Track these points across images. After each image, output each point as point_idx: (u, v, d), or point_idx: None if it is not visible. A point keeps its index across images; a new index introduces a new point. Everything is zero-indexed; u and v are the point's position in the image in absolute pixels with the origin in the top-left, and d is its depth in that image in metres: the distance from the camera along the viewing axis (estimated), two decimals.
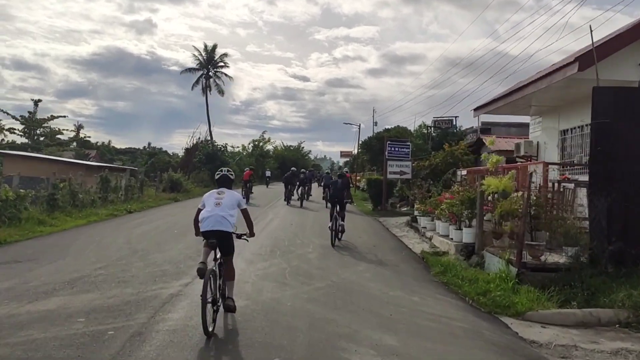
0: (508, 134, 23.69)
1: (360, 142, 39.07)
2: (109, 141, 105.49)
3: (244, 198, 24.44)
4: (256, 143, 67.86)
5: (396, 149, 22.16)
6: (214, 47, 51.89)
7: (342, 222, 12.63)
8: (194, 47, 72.34)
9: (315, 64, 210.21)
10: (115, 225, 14.68)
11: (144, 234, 12.88)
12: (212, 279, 5.43)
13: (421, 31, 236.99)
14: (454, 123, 27.00)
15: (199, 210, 5.96)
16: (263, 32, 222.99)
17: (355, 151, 62.36)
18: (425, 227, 14.26)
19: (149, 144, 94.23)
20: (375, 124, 66.66)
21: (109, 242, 11.35)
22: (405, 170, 22.04)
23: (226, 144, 41.65)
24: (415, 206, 15.65)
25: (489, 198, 10.59)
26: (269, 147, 71.51)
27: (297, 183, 24.62)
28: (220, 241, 5.73)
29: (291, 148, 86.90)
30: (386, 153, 22.10)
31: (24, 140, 59.69)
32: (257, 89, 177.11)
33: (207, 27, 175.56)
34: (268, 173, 48.07)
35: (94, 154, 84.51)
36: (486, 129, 24.82)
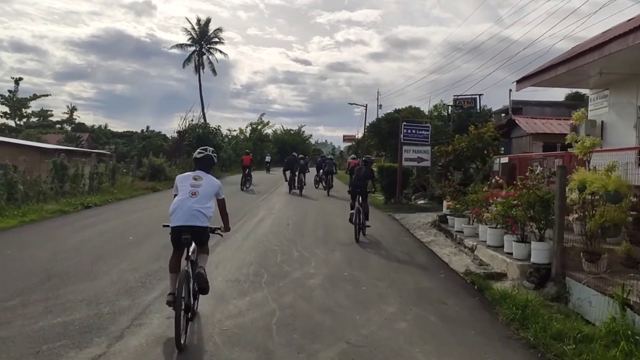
0: (542, 114, 20.25)
1: (366, 125, 35.44)
2: (105, 124, 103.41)
3: (245, 183, 23.45)
4: (254, 126, 64.28)
5: (413, 131, 18.70)
6: (208, 21, 48.10)
7: (367, 222, 11.15)
8: (187, 18, 67.68)
9: (317, 47, 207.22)
10: (55, 227, 11.30)
11: (85, 243, 9.51)
12: (185, 282, 4.72)
13: (424, 15, 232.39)
14: (478, 102, 23.51)
15: (174, 197, 5.21)
16: (264, 15, 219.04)
17: (360, 135, 58.84)
18: (461, 232, 10.91)
19: (147, 127, 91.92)
20: (380, 106, 63.40)
21: (23, 259, 7.96)
22: (423, 156, 18.61)
23: (219, 125, 38.01)
24: (446, 203, 12.24)
25: (576, 199, 7.18)
26: (268, 130, 67.89)
27: (298, 169, 22.76)
28: (195, 236, 5.05)
29: (291, 132, 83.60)
30: (401, 136, 18.64)
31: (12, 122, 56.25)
32: (258, 72, 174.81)
33: (208, 10, 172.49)
34: (268, 158, 45.90)
35: (86, 138, 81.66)
36: (516, 108, 21.29)
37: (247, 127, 65.79)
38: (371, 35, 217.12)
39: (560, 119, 19.49)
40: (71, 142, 68.75)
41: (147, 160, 24.16)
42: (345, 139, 72.71)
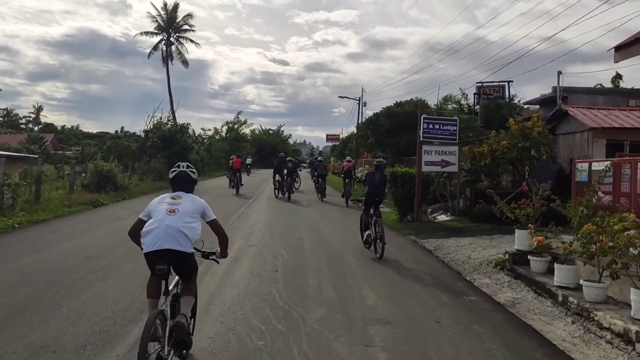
0: (592, 104, 16.05)
1: (359, 121, 30.97)
2: (77, 125, 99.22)
3: (234, 187, 22.61)
4: (230, 125, 59.30)
5: (436, 127, 14.26)
6: (176, 6, 42.76)
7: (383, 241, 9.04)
8: (152, 4, 61.71)
9: (295, 47, 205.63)
10: None
11: None
12: (159, 325, 3.69)
13: (401, 16, 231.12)
14: (506, 90, 19.12)
15: (140, 222, 4.12)
16: (242, 14, 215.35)
17: (348, 132, 54.77)
18: (568, 289, 6.47)
19: (122, 128, 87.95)
20: (364, 104, 59.36)
21: None
22: (449, 159, 14.20)
23: (188, 123, 33.01)
24: (531, 237, 7.70)
25: None
26: (246, 130, 62.99)
27: (286, 172, 20.97)
28: (175, 265, 3.99)
29: (270, 132, 79.33)
30: (420, 133, 14.18)
31: None
32: (236, 72, 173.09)
33: (184, 9, 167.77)
34: (249, 160, 43.87)
35: (50, 139, 76.04)
36: (554, 97, 17.00)
37: (223, 126, 60.80)
38: (349, 35, 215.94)
39: (624, 109, 15.30)
40: (34, 143, 63.37)
41: (92, 165, 19.19)
42: (329, 138, 68.23)
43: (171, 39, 42.33)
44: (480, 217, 13.31)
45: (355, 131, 55.76)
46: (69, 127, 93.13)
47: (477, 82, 17.79)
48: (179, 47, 42.14)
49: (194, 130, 32.17)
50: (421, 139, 14.21)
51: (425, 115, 14.81)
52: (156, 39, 40.83)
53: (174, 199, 4.19)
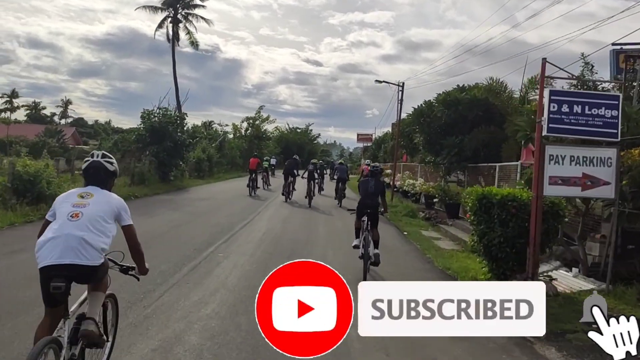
0: None
1: (399, 116, 24.02)
2: (109, 120, 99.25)
3: (252, 188, 21.23)
4: (250, 122, 53.11)
5: (576, 110, 7.30)
6: None
7: (377, 250, 8.21)
8: None
9: (329, 48, 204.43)
10: None
11: None
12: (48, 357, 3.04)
13: (438, 17, 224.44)
14: None
15: (47, 224, 3.51)
16: (277, 15, 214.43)
17: (380, 132, 47.93)
18: None
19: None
20: (400, 101, 52.56)
21: None
22: (599, 173, 7.28)
23: (185, 114, 26.83)
24: None
25: None
26: (269, 127, 56.73)
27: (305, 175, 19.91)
28: (81, 281, 3.43)
29: (298, 130, 73.01)
30: (544, 120, 7.27)
31: None
32: (269, 72, 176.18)
33: (221, 9, 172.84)
34: (273, 161, 41.50)
35: (71, 132, 73.19)
36: None
37: (242, 122, 54.68)
38: (383, 37, 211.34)
39: None
40: (52, 137, 59.37)
41: (6, 163, 12.99)
42: (360, 138, 61.17)
43: (179, 15, 36.25)
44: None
45: (390, 130, 48.75)
46: (102, 122, 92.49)
47: (612, 44, 10.76)
48: (187, 25, 35.89)
49: (183, 123, 25.32)
50: (545, 132, 7.33)
51: (554, 89, 7.91)
52: (151, 5, 34.50)
53: (82, 197, 3.53)
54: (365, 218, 8.46)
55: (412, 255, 10.76)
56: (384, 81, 22.82)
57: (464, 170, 18.25)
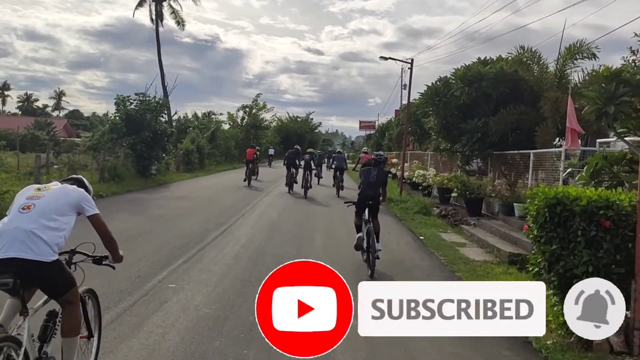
0: None
1: (409, 96, 21.16)
2: (107, 112, 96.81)
3: (246, 180, 21.37)
4: (247, 110, 50.35)
5: None
6: None
7: (379, 247, 7.58)
8: None
9: (329, 37, 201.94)
10: None
11: None
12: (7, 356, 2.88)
13: (439, 4, 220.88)
14: None
15: None
16: (277, 3, 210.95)
17: (388, 118, 45.35)
18: None
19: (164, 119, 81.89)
20: (404, 87, 49.82)
21: None
22: None
23: (166, 100, 24.13)
24: None
25: None
26: (266, 115, 53.97)
27: (302, 165, 19.20)
28: (30, 280, 3.09)
29: (298, 119, 70.45)
30: None
31: None
32: (270, 62, 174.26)
33: None
34: (271, 151, 41.71)
35: (63, 124, 71.00)
36: None
37: (238, 110, 51.90)
38: (385, 24, 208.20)
39: None
40: (41, 129, 57.01)
41: None
42: (362, 125, 58.31)
43: None
44: None
45: (394, 117, 45.96)
46: (100, 114, 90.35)
47: None
48: (172, 3, 32.82)
49: (163, 108, 22.54)
50: None
51: None
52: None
53: (38, 189, 3.39)
54: (366, 211, 7.97)
55: (437, 275, 8.09)
56: (390, 58, 19.92)
57: (485, 159, 15.53)
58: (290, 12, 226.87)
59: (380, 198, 8.20)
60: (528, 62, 13.02)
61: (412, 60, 19.00)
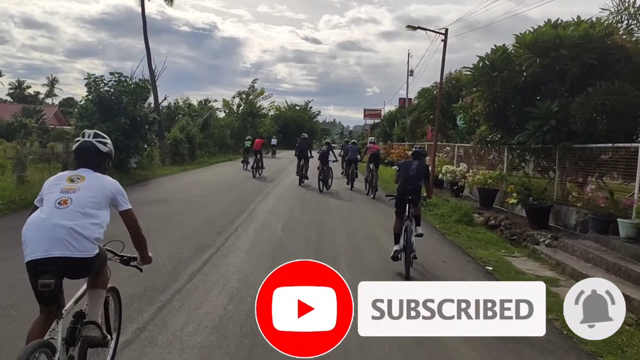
0: None
1: (443, 72, 17.47)
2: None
3: (255, 170, 21.25)
4: (242, 97, 46.68)
5: None
6: None
7: (419, 232, 7.49)
8: None
9: (327, 26, 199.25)
10: None
11: None
12: None
13: None
14: None
15: (35, 210, 3.15)
16: None
17: (389, 108, 42.19)
18: None
19: (149, 104, 79.46)
20: (410, 73, 46.53)
21: None
22: None
23: (146, 81, 20.49)
24: None
25: None
26: (264, 102, 50.36)
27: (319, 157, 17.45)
28: (74, 275, 3.10)
29: (297, 108, 67.43)
30: None
31: None
32: (268, 51, 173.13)
33: None
34: (274, 141, 40.19)
35: (54, 112, 68.17)
36: None
37: (234, 97, 48.13)
38: (382, 13, 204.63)
39: None
40: (30, 116, 53.37)
41: None
42: (367, 114, 54.63)
43: None
44: None
45: (397, 106, 42.66)
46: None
47: None
48: None
49: (145, 92, 18.78)
50: None
51: None
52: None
53: (72, 180, 3.19)
54: (407, 207, 7.31)
55: (560, 355, 4.62)
56: (419, 27, 16.19)
57: (549, 156, 11.92)
58: (288, 0, 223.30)
59: (425, 194, 7.47)
60: (632, 23, 9.43)
61: (447, 30, 15.32)
